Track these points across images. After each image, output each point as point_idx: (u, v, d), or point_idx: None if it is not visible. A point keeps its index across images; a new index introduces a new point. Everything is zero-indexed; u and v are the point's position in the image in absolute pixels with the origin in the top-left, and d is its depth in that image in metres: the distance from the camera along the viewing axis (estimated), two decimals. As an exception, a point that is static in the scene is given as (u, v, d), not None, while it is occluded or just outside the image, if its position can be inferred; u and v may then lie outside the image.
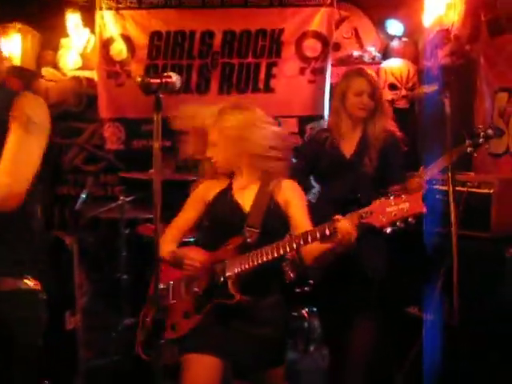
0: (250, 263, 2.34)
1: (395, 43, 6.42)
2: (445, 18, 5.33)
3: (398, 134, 3.63)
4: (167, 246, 2.60)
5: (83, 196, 4.40)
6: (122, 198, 4.69)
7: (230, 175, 2.62)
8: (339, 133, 3.59)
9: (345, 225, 2.19)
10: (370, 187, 3.41)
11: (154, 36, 6.23)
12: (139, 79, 1.82)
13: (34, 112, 2.08)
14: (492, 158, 4.42)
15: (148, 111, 6.26)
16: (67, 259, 3.88)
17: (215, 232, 2.57)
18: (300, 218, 2.51)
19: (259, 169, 2.53)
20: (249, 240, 2.40)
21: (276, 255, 2.32)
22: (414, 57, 6.23)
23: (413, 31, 6.17)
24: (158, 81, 1.81)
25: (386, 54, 6.39)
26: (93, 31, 6.34)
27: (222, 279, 2.41)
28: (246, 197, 2.55)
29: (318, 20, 6.15)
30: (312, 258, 2.44)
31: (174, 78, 1.84)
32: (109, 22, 6.18)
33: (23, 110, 2.04)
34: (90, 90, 6.39)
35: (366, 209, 2.22)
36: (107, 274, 5.13)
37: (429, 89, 3.44)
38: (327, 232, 2.23)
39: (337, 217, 2.23)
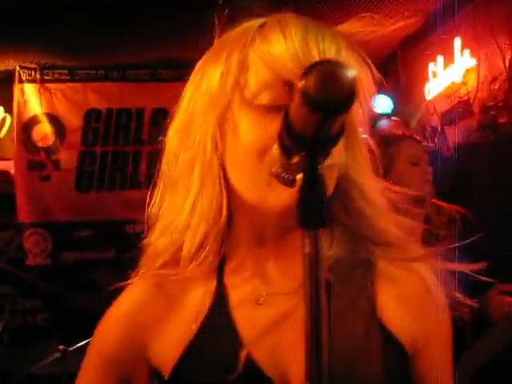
0: None
1: (383, 123, 5.57)
2: (462, 86, 4.51)
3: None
4: None
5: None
6: (61, 347, 3.59)
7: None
8: None
9: None
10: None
11: (91, 115, 5.37)
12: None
13: None
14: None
15: (83, 212, 5.22)
16: None
17: None
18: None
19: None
20: None
21: None
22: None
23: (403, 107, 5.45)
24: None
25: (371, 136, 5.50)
26: (9, 110, 5.43)
27: None
28: (284, 340, 1.00)
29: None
30: None
31: None
32: (31, 99, 5.30)
33: None
34: (3, 187, 5.32)
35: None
36: None
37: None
38: None
39: None
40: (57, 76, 5.26)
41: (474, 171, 4.12)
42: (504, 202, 3.80)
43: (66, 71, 5.27)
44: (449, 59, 4.53)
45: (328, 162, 0.77)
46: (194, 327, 0.97)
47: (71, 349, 3.57)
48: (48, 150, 5.29)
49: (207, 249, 0.98)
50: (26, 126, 5.28)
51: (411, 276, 1.02)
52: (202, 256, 0.98)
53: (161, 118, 5.27)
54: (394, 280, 1.00)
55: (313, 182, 0.63)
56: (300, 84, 0.58)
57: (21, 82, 5.23)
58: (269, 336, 0.95)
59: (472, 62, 4.37)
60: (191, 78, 1.05)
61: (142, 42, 4.87)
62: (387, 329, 0.96)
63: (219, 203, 0.95)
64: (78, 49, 4.96)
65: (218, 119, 0.95)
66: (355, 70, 0.64)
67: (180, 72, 5.25)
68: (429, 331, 1.01)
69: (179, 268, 0.99)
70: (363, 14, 1.04)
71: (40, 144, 5.28)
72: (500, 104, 4.16)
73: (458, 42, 4.47)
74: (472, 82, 4.37)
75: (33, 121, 5.28)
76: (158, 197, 1.04)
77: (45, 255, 5.24)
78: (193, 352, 0.96)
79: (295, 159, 0.68)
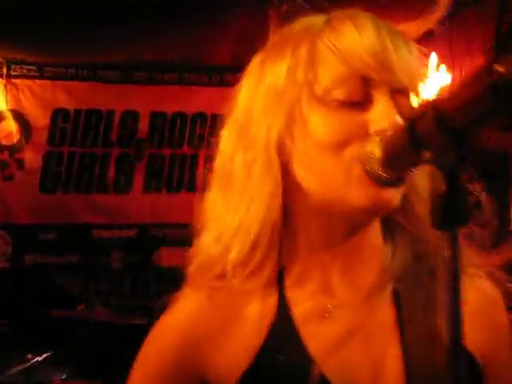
0: None
1: None
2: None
3: None
4: None
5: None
6: (29, 356, 3.42)
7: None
8: None
9: None
10: None
11: (59, 114, 5.17)
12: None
13: None
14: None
15: (47, 214, 5.04)
16: None
17: None
18: None
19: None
20: None
21: None
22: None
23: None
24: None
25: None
26: (-28, 105, 5.22)
27: None
28: (357, 355, 0.93)
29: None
30: None
31: None
32: None
33: None
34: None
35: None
36: None
37: None
38: None
39: None
40: (25, 72, 5.04)
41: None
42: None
43: (34, 67, 5.05)
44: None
45: None
46: (258, 343, 0.90)
47: (40, 359, 3.39)
48: (12, 149, 5.03)
49: (259, 254, 0.90)
50: (-10, 123, 5.03)
51: (475, 287, 0.98)
52: (254, 262, 0.91)
53: (131, 120, 5.21)
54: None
55: (456, 179, 0.59)
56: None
57: (-15, 76, 5.00)
58: (338, 352, 0.89)
59: (447, 78, 4.42)
60: (247, 74, 0.98)
61: (115, 42, 4.71)
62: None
63: (275, 204, 0.89)
64: (48, 45, 4.75)
65: (285, 117, 0.88)
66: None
67: (152, 75, 5.23)
68: (495, 344, 0.98)
69: (235, 279, 0.92)
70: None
71: (3, 142, 5.03)
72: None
73: (433, 57, 4.52)
74: (447, 97, 4.48)
75: (-3, 117, 5.05)
76: (211, 200, 0.98)
77: (5, 258, 4.97)
78: (259, 368, 0.89)
79: (427, 155, 0.64)
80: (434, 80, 4.52)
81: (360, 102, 0.84)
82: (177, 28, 4.50)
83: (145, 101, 5.19)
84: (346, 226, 0.91)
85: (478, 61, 4.17)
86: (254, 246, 0.90)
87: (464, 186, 0.59)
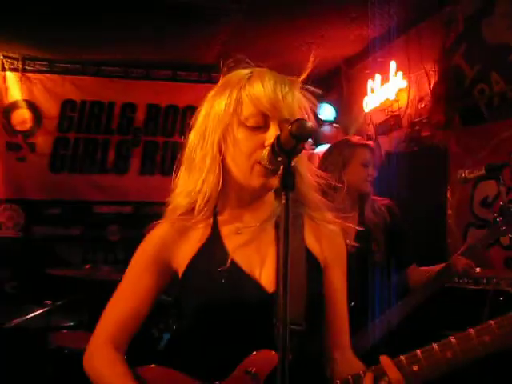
0: None
1: (326, 128, 6.23)
2: (395, 102, 5.13)
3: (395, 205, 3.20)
4: (102, 363, 1.60)
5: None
6: (47, 301, 3.86)
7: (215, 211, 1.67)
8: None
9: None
10: (383, 280, 2.90)
11: (67, 105, 5.71)
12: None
13: None
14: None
15: (54, 191, 5.61)
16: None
17: (208, 336, 1.54)
18: (341, 300, 1.71)
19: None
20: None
21: None
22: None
23: (344, 116, 6.05)
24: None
25: (315, 139, 6.09)
26: (-9, 95, 5.91)
27: None
28: (253, 252, 1.60)
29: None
30: None
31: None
32: (12, 86, 5.57)
33: None
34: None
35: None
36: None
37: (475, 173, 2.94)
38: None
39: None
40: (37, 67, 5.54)
41: (399, 175, 4.71)
42: (419, 202, 4.52)
43: (45, 63, 5.54)
44: (385, 79, 5.06)
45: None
46: (200, 245, 1.59)
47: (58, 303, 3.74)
48: (25, 134, 5.55)
49: (209, 204, 1.58)
50: (7, 111, 5.54)
51: (322, 224, 1.68)
52: (207, 208, 1.59)
53: (129, 111, 5.75)
54: (313, 226, 1.67)
55: (289, 168, 1.35)
56: (290, 127, 1.23)
57: (4, 70, 5.47)
58: (243, 250, 1.58)
59: (404, 83, 4.98)
60: (206, 101, 1.62)
61: (116, 41, 5.13)
62: (310, 251, 1.63)
63: (218, 180, 1.56)
64: (57, 43, 5.19)
65: (222, 132, 1.55)
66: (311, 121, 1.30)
67: (149, 72, 5.72)
68: (333, 253, 1.70)
69: (192, 216, 1.59)
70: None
71: (18, 128, 5.54)
72: (424, 120, 4.67)
73: (393, 64, 5.09)
74: (403, 100, 4.96)
75: (13, 106, 5.54)
76: (182, 176, 1.63)
77: (17, 229, 5.54)
78: (199, 258, 1.57)
79: (280, 158, 1.39)
80: (393, 84, 5.18)
81: (262, 127, 1.52)
82: (172, 31, 4.94)
83: (142, 94, 5.72)
84: (251, 195, 1.59)
85: (429, 69, 4.78)
86: (208, 200, 1.58)
87: (293, 172, 1.37)
